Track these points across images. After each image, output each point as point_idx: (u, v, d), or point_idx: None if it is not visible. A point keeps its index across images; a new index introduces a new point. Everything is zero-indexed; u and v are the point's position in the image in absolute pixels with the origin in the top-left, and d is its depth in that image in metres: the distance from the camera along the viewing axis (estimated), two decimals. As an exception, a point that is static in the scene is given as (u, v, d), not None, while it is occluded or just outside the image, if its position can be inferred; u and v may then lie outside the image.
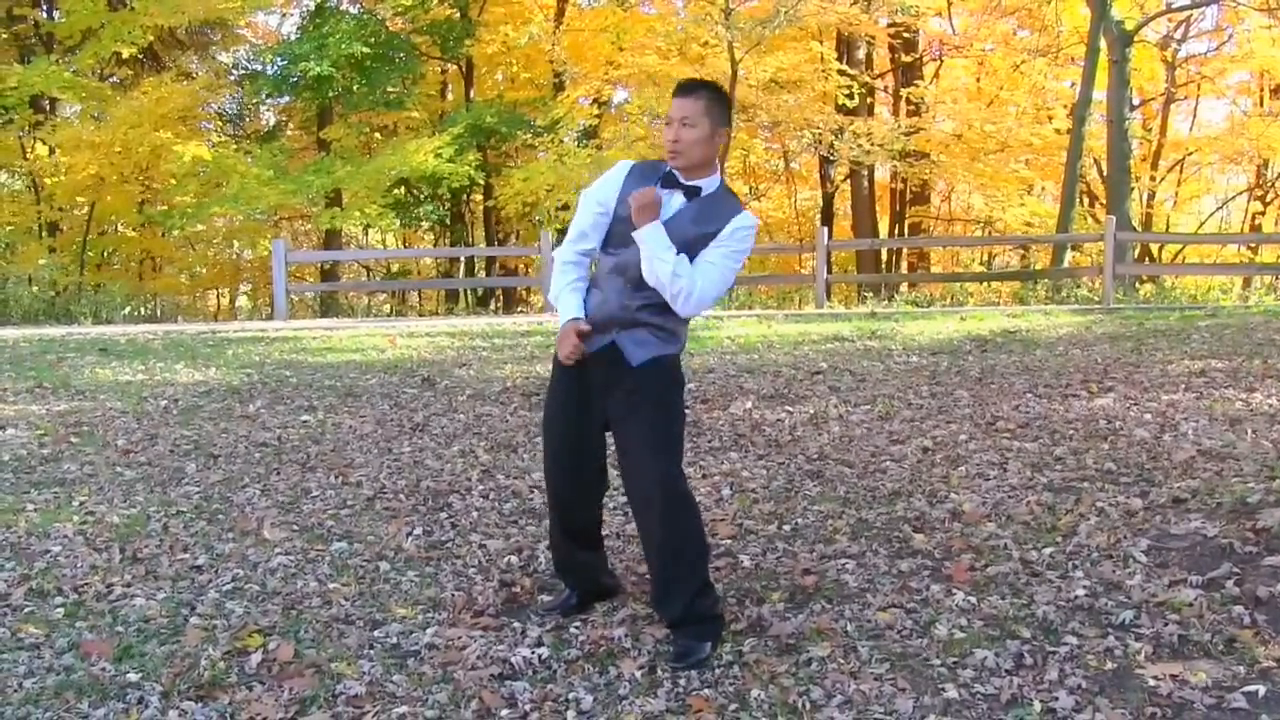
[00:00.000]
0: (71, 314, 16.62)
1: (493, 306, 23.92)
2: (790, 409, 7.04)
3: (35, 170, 22.22)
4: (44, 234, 22.44)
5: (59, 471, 5.77)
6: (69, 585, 3.99)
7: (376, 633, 3.53)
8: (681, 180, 3.31)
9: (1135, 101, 22.50)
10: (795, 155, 27.22)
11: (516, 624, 3.56)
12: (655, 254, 3.22)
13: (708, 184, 3.33)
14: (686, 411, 3.54)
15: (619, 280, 3.33)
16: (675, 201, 3.31)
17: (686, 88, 3.32)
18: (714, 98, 3.32)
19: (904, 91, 24.35)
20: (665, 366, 3.36)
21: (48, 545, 4.46)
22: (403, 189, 25.01)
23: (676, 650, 3.26)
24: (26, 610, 3.75)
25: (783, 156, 27.83)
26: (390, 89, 23.51)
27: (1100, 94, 18.80)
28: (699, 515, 3.39)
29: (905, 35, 23.83)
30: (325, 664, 3.28)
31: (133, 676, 3.21)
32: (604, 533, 3.80)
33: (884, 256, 25.24)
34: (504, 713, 2.99)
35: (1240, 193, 28.74)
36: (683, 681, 3.13)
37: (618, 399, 3.33)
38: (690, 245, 3.25)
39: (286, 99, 25.47)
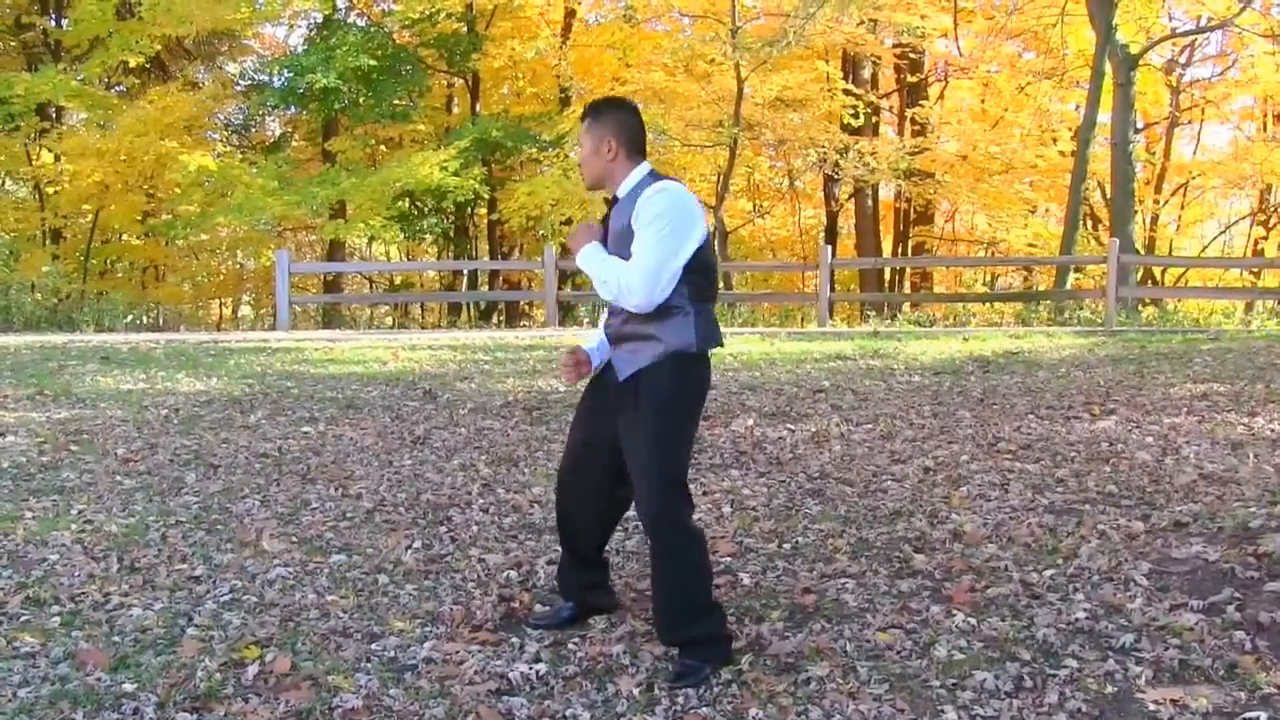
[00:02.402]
0: (74, 321, 16.64)
1: (495, 320, 23.92)
2: (792, 427, 7.03)
3: (40, 177, 22.28)
4: (47, 241, 22.51)
5: (58, 479, 5.76)
6: (66, 594, 3.97)
7: (374, 646, 3.51)
8: (608, 198, 3.44)
9: (1139, 125, 22.51)
10: (800, 174, 27.27)
11: (515, 639, 3.55)
12: (589, 271, 3.35)
13: (623, 187, 3.37)
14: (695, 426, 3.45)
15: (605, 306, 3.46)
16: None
17: (581, 114, 3.49)
18: (594, 116, 3.42)
19: (909, 111, 24.41)
20: (659, 374, 3.26)
21: (45, 553, 4.45)
22: (407, 202, 25.07)
23: (676, 670, 3.24)
24: (23, 619, 3.74)
25: (787, 175, 27.89)
26: (396, 102, 23.59)
27: (1105, 117, 18.85)
28: (697, 539, 3.33)
29: (911, 56, 23.90)
30: (322, 677, 3.27)
31: (128, 687, 3.20)
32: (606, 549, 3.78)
33: (887, 276, 25.26)
34: (501, 728, 2.98)
35: (1243, 217, 28.78)
36: (680, 699, 3.11)
37: (624, 416, 3.33)
38: (621, 245, 3.31)
39: (292, 110, 25.56)
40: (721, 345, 3.40)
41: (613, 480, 3.46)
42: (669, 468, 3.27)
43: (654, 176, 3.35)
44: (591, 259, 3.35)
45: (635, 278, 3.20)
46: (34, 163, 22.29)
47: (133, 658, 3.41)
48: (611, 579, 3.83)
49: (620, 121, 3.37)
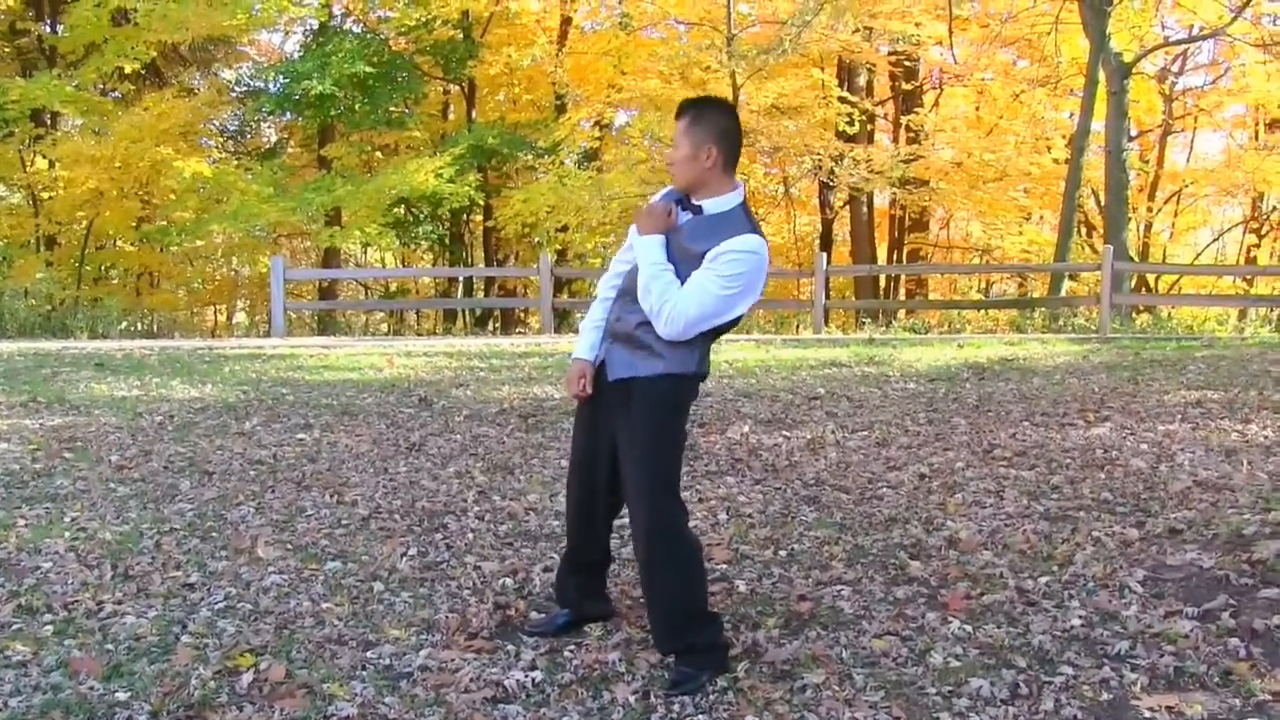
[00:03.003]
0: (68, 328, 16.59)
1: (491, 327, 23.90)
2: (787, 434, 7.03)
3: (34, 184, 22.22)
4: (41, 248, 22.42)
5: (51, 487, 5.74)
6: (59, 602, 3.96)
7: (369, 654, 3.50)
8: (691, 201, 3.30)
9: (1133, 133, 22.56)
10: (795, 181, 27.27)
11: (510, 647, 3.54)
12: (641, 263, 3.26)
13: (713, 204, 3.26)
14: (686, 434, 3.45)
15: (625, 294, 3.37)
16: (683, 220, 3.32)
17: (678, 109, 3.35)
18: (695, 115, 3.28)
19: (904, 119, 24.45)
20: (652, 388, 3.26)
21: (38, 561, 4.43)
22: (402, 208, 25.05)
23: (672, 678, 3.24)
24: (15, 627, 3.73)
25: (782, 182, 27.90)
26: (392, 108, 23.58)
27: (1098, 125, 18.88)
28: (693, 546, 3.34)
29: (906, 63, 23.94)
30: (317, 685, 3.26)
31: (121, 696, 3.18)
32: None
33: (882, 283, 25.27)
34: (496, 737, 2.97)
35: (1236, 225, 28.86)
36: (676, 707, 3.10)
37: (619, 419, 3.33)
38: (682, 262, 3.23)
39: (288, 117, 25.54)
40: (706, 378, 3.42)
41: (617, 479, 3.45)
42: (662, 474, 3.28)
43: (747, 213, 3.28)
44: (650, 255, 3.25)
45: (680, 315, 3.16)
46: (28, 169, 22.22)
47: (126, 666, 3.40)
48: (608, 586, 3.83)
49: (723, 129, 3.25)
